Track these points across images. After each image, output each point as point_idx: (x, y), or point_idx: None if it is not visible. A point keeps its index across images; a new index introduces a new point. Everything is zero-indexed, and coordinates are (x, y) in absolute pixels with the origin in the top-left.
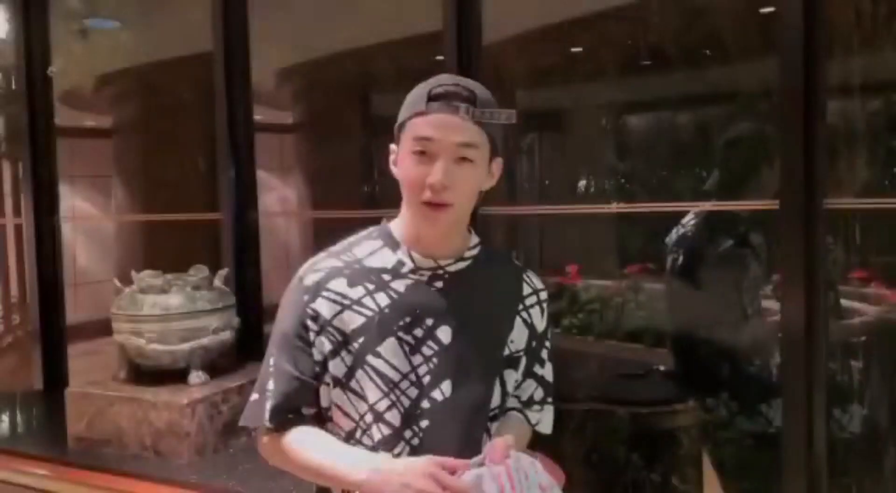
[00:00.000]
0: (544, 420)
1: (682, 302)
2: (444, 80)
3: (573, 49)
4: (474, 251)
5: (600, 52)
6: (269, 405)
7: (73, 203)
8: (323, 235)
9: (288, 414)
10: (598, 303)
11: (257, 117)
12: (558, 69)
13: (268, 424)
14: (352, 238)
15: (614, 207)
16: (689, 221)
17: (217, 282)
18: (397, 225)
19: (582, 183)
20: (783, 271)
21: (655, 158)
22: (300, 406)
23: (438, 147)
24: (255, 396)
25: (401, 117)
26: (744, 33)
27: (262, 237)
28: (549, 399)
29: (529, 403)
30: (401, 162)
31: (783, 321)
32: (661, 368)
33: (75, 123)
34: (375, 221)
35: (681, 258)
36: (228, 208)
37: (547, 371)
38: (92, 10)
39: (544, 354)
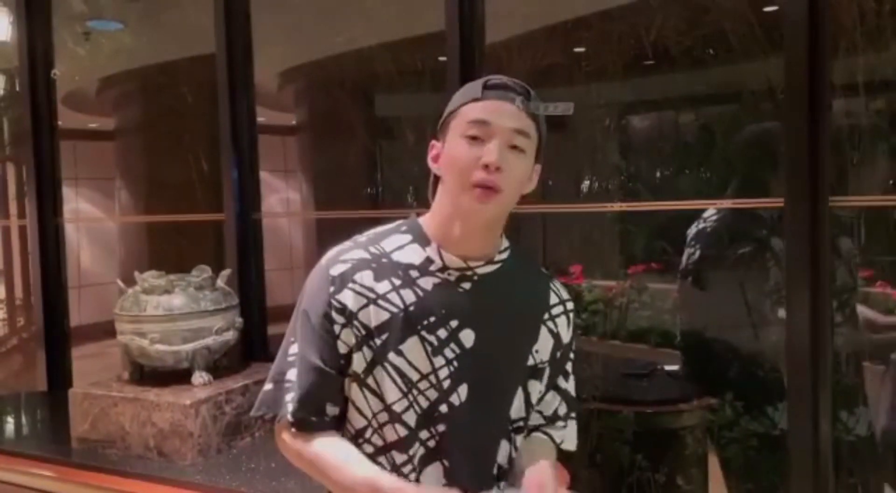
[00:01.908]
0: (568, 437)
1: (695, 299)
2: (498, 76)
3: (576, 49)
4: (504, 255)
5: (603, 52)
6: (292, 397)
7: (77, 205)
8: (326, 236)
9: (312, 415)
10: (601, 303)
11: (260, 119)
12: (561, 69)
13: (290, 417)
14: (379, 229)
15: (617, 206)
16: (710, 215)
17: (220, 282)
18: (429, 221)
19: (585, 183)
20: (788, 269)
21: (659, 158)
22: (325, 403)
23: (493, 130)
24: (269, 385)
25: (451, 107)
26: (749, 32)
27: (266, 238)
28: (573, 414)
29: (554, 419)
30: (449, 149)
31: (788, 320)
32: (666, 367)
33: (78, 125)
34: (378, 221)
35: (697, 253)
36: (231, 209)
37: (570, 385)
38: (95, 12)
39: (569, 366)
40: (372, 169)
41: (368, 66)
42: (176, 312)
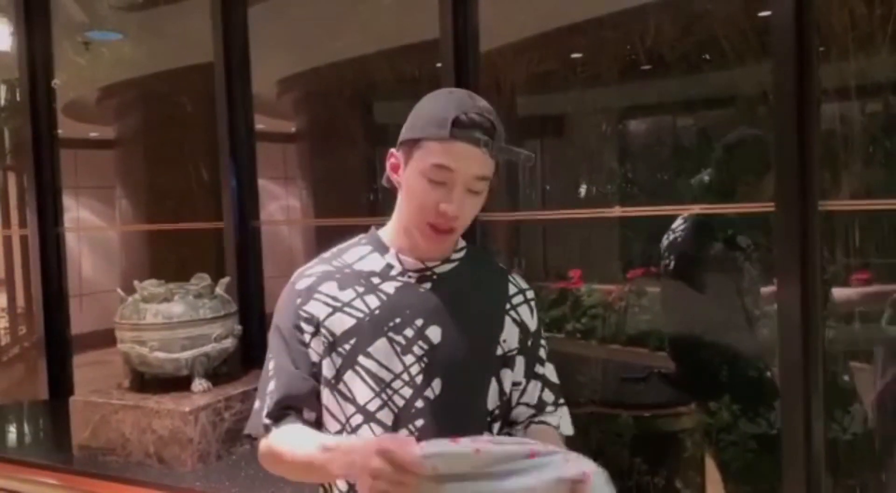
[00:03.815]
0: (563, 423)
1: (677, 306)
2: (466, 106)
3: (572, 55)
4: (461, 253)
5: (598, 58)
6: (269, 402)
7: (78, 214)
8: (325, 243)
9: (286, 410)
10: (600, 307)
11: (260, 126)
12: (557, 75)
13: (265, 420)
14: (341, 245)
15: (615, 212)
16: (678, 226)
17: (219, 290)
18: (387, 232)
19: (583, 188)
20: (780, 272)
21: (655, 162)
22: (301, 407)
23: (456, 177)
24: (257, 404)
25: (416, 133)
26: (743, 37)
27: (265, 245)
28: (561, 400)
29: (541, 406)
30: (410, 179)
31: (780, 322)
32: (664, 371)
33: (79, 134)
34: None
35: (672, 263)
36: (230, 217)
37: (549, 371)
38: (95, 22)
39: (542, 353)
40: (371, 176)
41: (366, 73)
42: (175, 320)
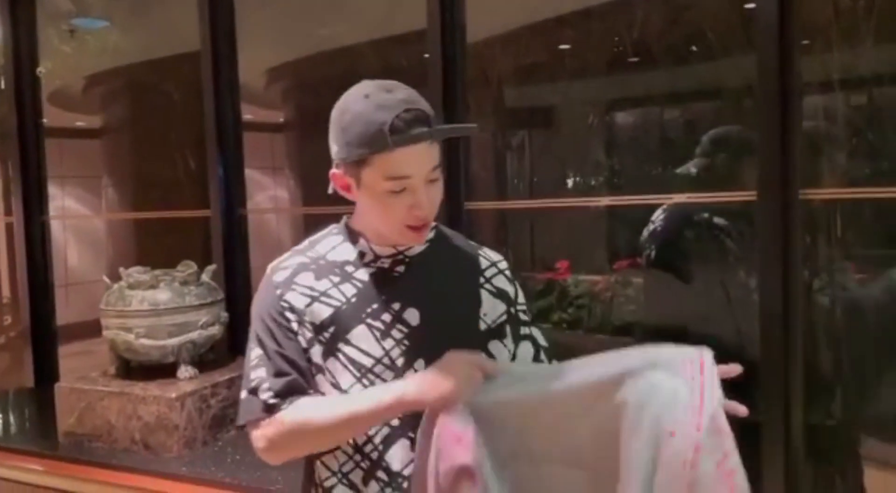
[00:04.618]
0: None
1: (659, 295)
2: (392, 106)
3: (559, 47)
4: (431, 234)
5: (585, 50)
6: (269, 385)
7: (64, 203)
8: (313, 232)
9: (293, 389)
10: (587, 298)
11: (247, 116)
12: (544, 67)
13: (271, 401)
14: (313, 237)
15: (601, 201)
16: (657, 216)
17: (205, 277)
18: (355, 220)
19: (570, 180)
20: (761, 260)
21: (642, 154)
22: (303, 385)
23: (415, 180)
24: (244, 393)
25: (355, 152)
26: (729, 29)
27: (253, 235)
28: (555, 361)
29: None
30: (370, 197)
31: (761, 309)
32: None
33: (65, 123)
34: None
35: (653, 253)
36: (217, 205)
37: (537, 333)
38: (80, 9)
39: (525, 316)
40: None
41: (354, 63)
42: (161, 307)
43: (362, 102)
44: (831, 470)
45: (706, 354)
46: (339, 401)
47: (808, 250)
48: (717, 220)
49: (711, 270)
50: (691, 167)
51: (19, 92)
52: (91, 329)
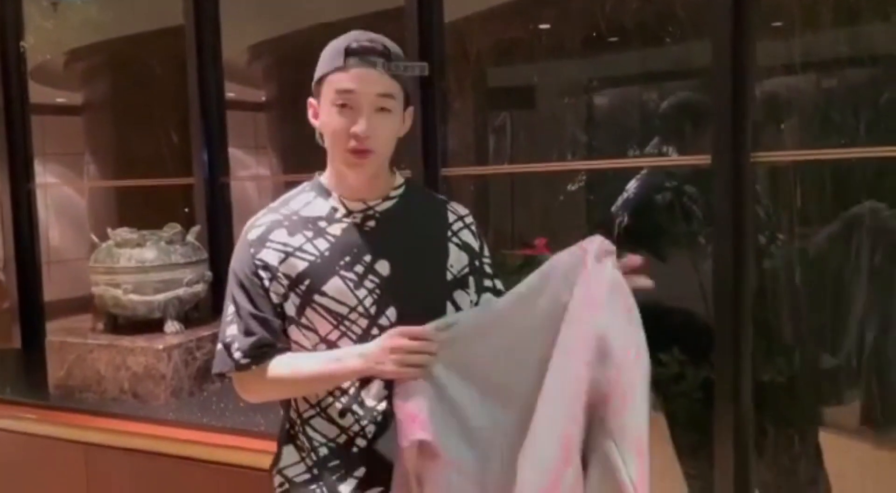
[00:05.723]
0: None
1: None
2: (358, 37)
3: (539, 26)
4: (400, 190)
5: (562, 29)
6: (238, 345)
7: (45, 180)
8: None
9: (262, 348)
10: None
11: (230, 95)
12: (523, 45)
13: (243, 361)
14: (287, 194)
15: (571, 165)
16: (631, 185)
17: (190, 238)
18: (327, 176)
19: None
20: (715, 222)
21: (618, 131)
22: (271, 342)
23: (359, 99)
24: (219, 346)
25: (319, 73)
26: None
27: (235, 208)
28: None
29: None
30: (323, 115)
31: (714, 271)
32: None
33: (46, 99)
34: None
35: (625, 220)
36: (200, 173)
37: (501, 286)
38: None
39: (489, 269)
40: None
41: (334, 39)
42: (148, 264)
43: (341, 37)
44: (790, 431)
45: (591, 240)
46: (308, 360)
47: (763, 213)
48: (687, 187)
49: (679, 235)
50: (661, 144)
51: (5, 67)
52: (75, 306)
